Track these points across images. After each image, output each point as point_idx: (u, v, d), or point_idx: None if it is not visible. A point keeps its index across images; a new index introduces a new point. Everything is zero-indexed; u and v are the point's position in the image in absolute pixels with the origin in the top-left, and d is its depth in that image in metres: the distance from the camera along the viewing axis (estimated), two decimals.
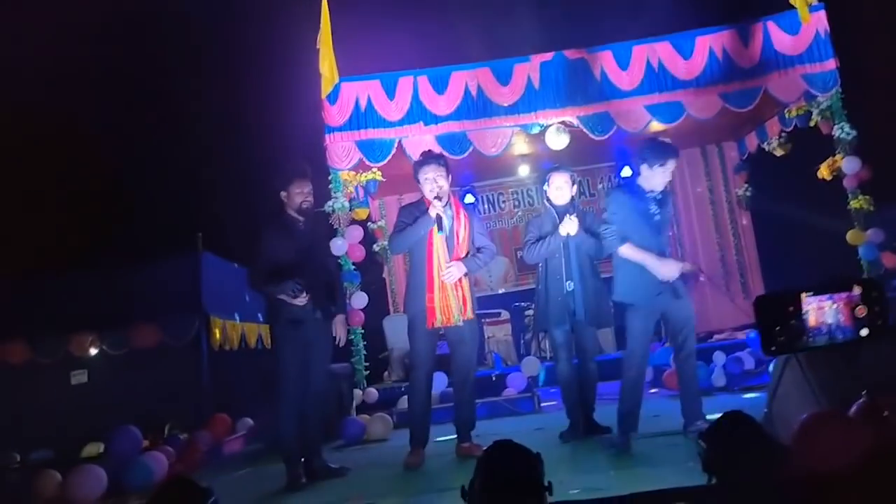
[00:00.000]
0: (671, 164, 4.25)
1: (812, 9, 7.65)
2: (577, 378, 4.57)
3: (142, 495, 4.17)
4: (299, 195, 4.28)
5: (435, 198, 4.33)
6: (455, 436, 4.41)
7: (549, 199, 4.80)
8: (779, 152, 9.08)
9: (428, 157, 4.54)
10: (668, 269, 4.07)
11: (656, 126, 8.62)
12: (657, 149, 4.26)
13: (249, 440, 6.49)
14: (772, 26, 7.82)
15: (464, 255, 4.39)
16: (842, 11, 7.85)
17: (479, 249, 4.49)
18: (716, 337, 8.93)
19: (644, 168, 4.23)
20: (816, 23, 7.70)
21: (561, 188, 4.68)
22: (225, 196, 9.25)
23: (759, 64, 7.80)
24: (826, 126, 7.89)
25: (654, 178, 4.22)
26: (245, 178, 8.85)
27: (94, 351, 9.57)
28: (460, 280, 4.31)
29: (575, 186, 4.83)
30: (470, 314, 4.34)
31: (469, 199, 10.61)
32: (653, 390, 6.76)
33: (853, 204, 7.64)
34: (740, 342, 7.53)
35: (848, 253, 7.65)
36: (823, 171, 7.81)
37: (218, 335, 8.51)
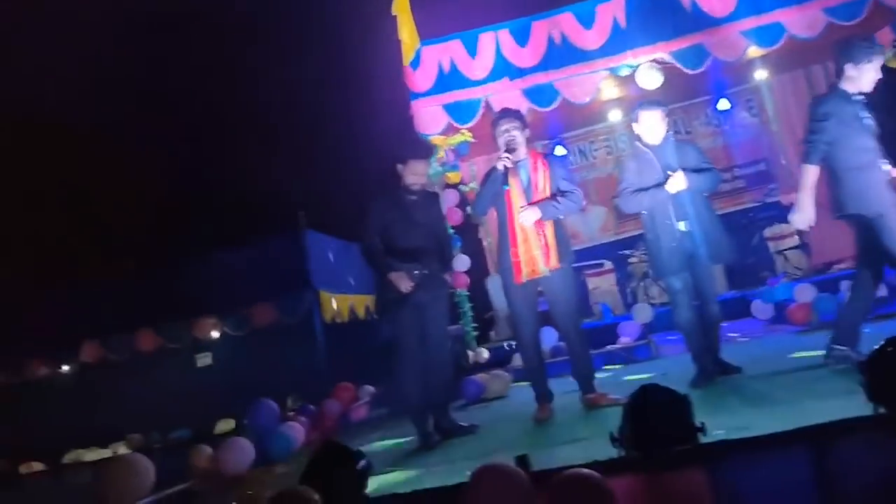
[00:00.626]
0: (879, 60, 3.94)
1: None
2: (700, 322, 4.35)
3: (285, 464, 4.40)
4: (411, 175, 4.35)
5: (505, 150, 4.26)
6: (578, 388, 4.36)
7: (640, 139, 4.50)
8: (894, 64, 8.39)
9: (501, 113, 4.53)
10: (801, 218, 3.92)
11: (755, 51, 8.16)
12: (863, 44, 3.92)
13: (373, 406, 6.73)
14: None
15: None
16: None
17: (562, 194, 4.33)
18: (835, 267, 8.49)
19: (849, 68, 3.88)
20: None
21: (653, 126, 4.38)
22: (321, 174, 9.49)
23: None
24: None
25: (862, 77, 3.88)
26: (338, 154, 9.03)
27: (216, 334, 10.15)
28: (542, 229, 4.21)
29: (667, 122, 4.50)
30: (555, 262, 4.21)
31: (560, 151, 10.43)
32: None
33: None
34: None
35: None
36: None
37: (329, 309, 8.82)
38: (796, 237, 9.46)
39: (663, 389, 1.97)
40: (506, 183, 4.20)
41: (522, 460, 1.82)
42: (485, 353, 7.42)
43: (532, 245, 4.19)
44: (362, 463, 2.46)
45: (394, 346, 4.31)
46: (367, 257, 4.36)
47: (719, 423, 2.80)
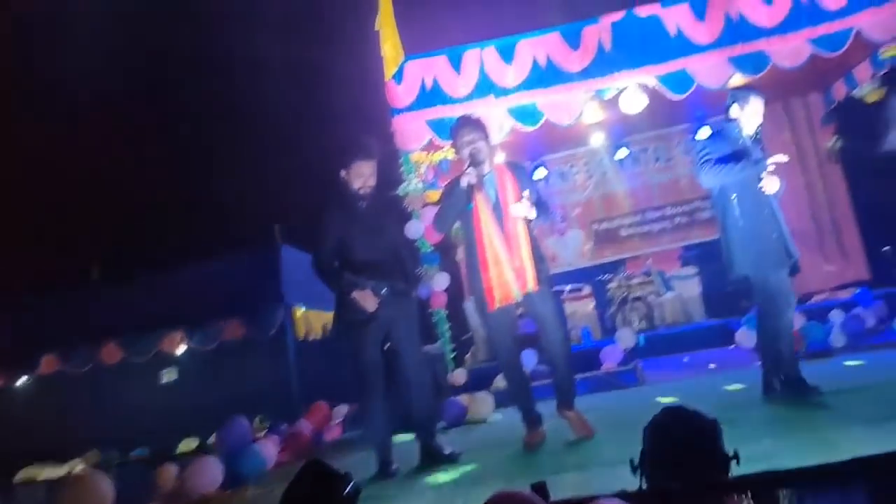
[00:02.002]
0: None
1: None
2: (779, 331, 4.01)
3: (257, 485, 4.14)
4: (358, 178, 4.01)
5: (469, 164, 3.84)
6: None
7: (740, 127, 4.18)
8: (871, 98, 8.52)
9: (462, 121, 4.09)
10: None
11: (737, 80, 8.19)
12: None
13: (348, 427, 6.47)
14: None
15: (517, 225, 3.89)
16: None
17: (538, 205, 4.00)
18: (816, 298, 8.49)
19: None
20: None
21: (755, 115, 4.16)
22: (299, 187, 9.27)
23: (848, 3, 7.31)
24: None
25: None
26: (317, 167, 8.83)
27: (182, 348, 9.80)
28: (518, 249, 3.85)
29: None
30: (532, 285, 3.83)
31: (541, 172, 10.38)
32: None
33: None
34: (846, 301, 7.08)
35: None
36: None
37: (302, 326, 8.56)
38: None
39: (690, 412, 1.81)
40: (470, 202, 3.84)
41: (540, 488, 1.63)
42: (463, 375, 7.23)
43: (504, 268, 3.83)
44: (350, 486, 2.25)
45: (358, 369, 3.98)
46: (321, 274, 4.02)
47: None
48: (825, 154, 9.97)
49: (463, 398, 5.69)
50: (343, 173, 4.05)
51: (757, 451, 2.56)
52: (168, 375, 10.59)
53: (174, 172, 10.98)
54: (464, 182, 3.83)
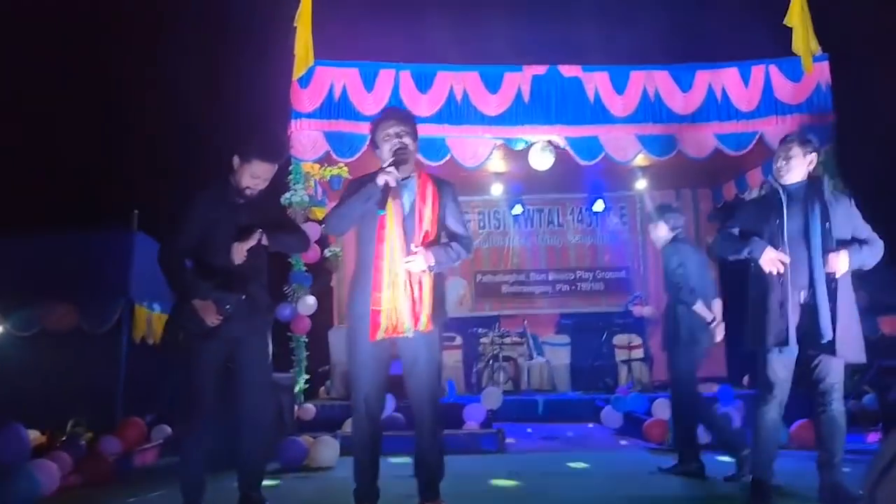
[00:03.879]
0: None
1: (816, 59, 7.42)
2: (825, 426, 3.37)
3: None
4: (250, 177, 3.34)
5: (391, 161, 3.18)
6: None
7: (774, 178, 3.58)
8: None
9: (389, 112, 3.47)
10: None
11: (641, 160, 8.23)
12: None
13: (165, 452, 5.57)
14: (773, 70, 7.59)
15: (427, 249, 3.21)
16: (845, 66, 7.64)
17: (456, 238, 3.34)
18: None
19: None
20: (819, 74, 7.48)
21: (786, 160, 3.50)
22: (172, 177, 8.34)
23: (757, 108, 7.53)
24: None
25: None
26: (197, 160, 8.01)
27: None
28: (421, 277, 3.19)
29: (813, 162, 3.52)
30: (426, 324, 3.16)
31: None
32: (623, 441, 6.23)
33: None
34: (707, 396, 7.03)
35: None
36: None
37: (142, 326, 7.57)
38: (642, 349, 9.48)
39: None
40: (383, 207, 3.12)
41: None
42: (311, 410, 6.57)
43: (400, 294, 3.14)
44: None
45: (186, 388, 3.29)
46: (166, 265, 3.28)
47: None
48: (705, 248, 10.22)
49: (306, 439, 5.02)
50: (235, 161, 3.36)
51: None
52: None
53: (36, 132, 9.74)
54: (380, 181, 3.11)
